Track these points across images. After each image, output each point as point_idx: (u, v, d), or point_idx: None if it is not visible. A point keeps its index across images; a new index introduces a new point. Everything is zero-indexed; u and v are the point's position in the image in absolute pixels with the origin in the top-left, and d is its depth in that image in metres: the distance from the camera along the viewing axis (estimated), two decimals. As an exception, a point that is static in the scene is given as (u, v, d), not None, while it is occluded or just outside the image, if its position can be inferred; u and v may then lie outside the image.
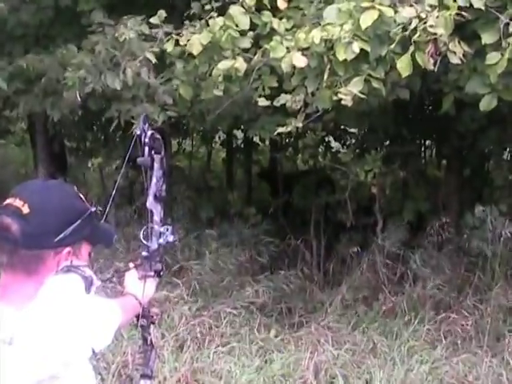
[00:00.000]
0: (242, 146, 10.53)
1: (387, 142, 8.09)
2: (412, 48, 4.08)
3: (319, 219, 7.92)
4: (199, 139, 10.63)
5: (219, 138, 10.91)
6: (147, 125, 2.52)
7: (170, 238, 2.61)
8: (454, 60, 4.16)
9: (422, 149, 9.59)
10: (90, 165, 7.85)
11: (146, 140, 2.49)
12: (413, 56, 4.09)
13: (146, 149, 2.50)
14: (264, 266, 7.30)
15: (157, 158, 2.58)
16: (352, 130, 8.39)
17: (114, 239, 2.28)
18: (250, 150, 10.45)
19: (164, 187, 2.63)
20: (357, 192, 7.95)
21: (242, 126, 8.03)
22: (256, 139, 9.87)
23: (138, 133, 2.51)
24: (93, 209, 2.07)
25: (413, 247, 6.82)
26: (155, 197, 2.59)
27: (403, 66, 4.13)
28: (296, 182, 9.08)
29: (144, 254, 2.58)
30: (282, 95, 4.95)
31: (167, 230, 2.61)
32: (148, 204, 2.60)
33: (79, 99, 5.82)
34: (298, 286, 6.91)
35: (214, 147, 11.42)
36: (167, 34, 5.45)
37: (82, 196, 2.08)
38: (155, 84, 5.67)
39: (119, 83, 5.59)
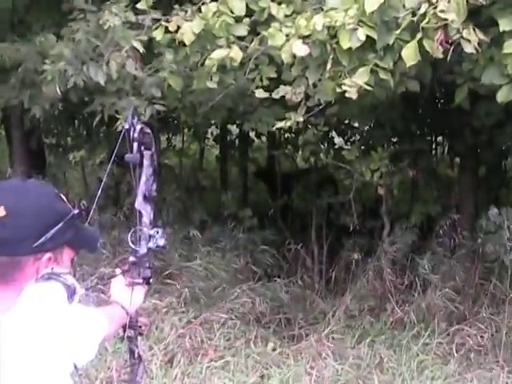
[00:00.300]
0: (237, 142, 10.61)
1: (395, 139, 8.10)
2: (420, 35, 4.06)
3: (321, 222, 7.96)
4: (190, 135, 10.56)
5: (212, 133, 10.90)
6: (136, 118, 2.52)
7: (161, 242, 2.61)
8: (469, 49, 4.14)
9: (433, 146, 9.63)
10: (71, 158, 7.85)
11: (135, 135, 2.49)
12: (421, 44, 4.08)
13: (135, 145, 2.49)
14: (261, 273, 7.29)
15: (146, 154, 2.58)
16: (357, 125, 8.35)
17: (98, 244, 2.27)
18: (246, 146, 10.52)
19: (154, 186, 2.63)
20: (362, 193, 8.01)
21: (237, 121, 8.08)
22: (252, 135, 9.91)
23: (127, 127, 2.51)
24: (75, 211, 2.06)
25: (423, 253, 6.83)
26: (144, 197, 2.59)
27: (409, 53, 4.10)
28: (296, 181, 9.22)
29: (132, 259, 2.57)
30: (281, 87, 4.95)
31: (157, 232, 2.61)
32: (136, 205, 2.60)
33: (59, 93, 5.82)
34: (297, 295, 6.93)
35: (207, 144, 11.37)
36: (155, 20, 5.40)
37: (63, 197, 2.08)
38: (142, 76, 5.69)
39: (103, 76, 5.59)
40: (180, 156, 10.03)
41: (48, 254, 1.97)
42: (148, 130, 2.58)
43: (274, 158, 9.72)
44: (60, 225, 1.98)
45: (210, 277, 6.90)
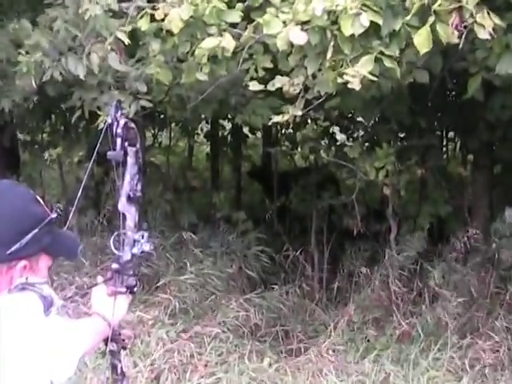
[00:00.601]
0: (230, 138, 10.57)
1: (402, 134, 8.10)
2: (432, 19, 4.05)
3: (321, 226, 7.95)
4: (178, 131, 10.55)
5: (202, 129, 10.80)
6: (120, 112, 2.50)
7: (146, 247, 2.60)
8: (482, 35, 4.12)
9: (444, 142, 9.63)
10: (47, 156, 7.84)
11: (119, 130, 2.47)
12: (433, 29, 4.07)
13: (119, 141, 2.48)
14: (256, 282, 7.31)
15: (131, 151, 2.57)
16: (360, 120, 8.32)
17: (78, 250, 2.26)
18: (239, 143, 10.47)
19: (139, 186, 2.62)
20: (366, 193, 8.10)
21: (229, 114, 8.07)
22: (246, 130, 9.89)
23: (110, 121, 2.49)
24: (53, 215, 2.05)
25: (432, 259, 6.85)
26: (129, 198, 2.58)
27: (421, 40, 4.08)
28: (294, 181, 9.14)
29: (114, 266, 2.56)
30: (278, 77, 4.94)
31: (142, 236, 2.60)
32: (120, 206, 2.59)
33: (35, 86, 5.80)
34: (296, 305, 6.93)
35: (196, 140, 11.36)
36: (140, 8, 5.34)
37: (39, 199, 2.07)
38: (126, 69, 5.67)
39: (83, 69, 5.58)
40: (167, 154, 9.93)
41: (23, 262, 1.96)
42: (132, 125, 2.56)
43: (270, 156, 9.67)
44: (36, 230, 1.97)
45: (200, 286, 6.88)
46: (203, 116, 8.34)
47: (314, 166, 8.53)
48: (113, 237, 2.57)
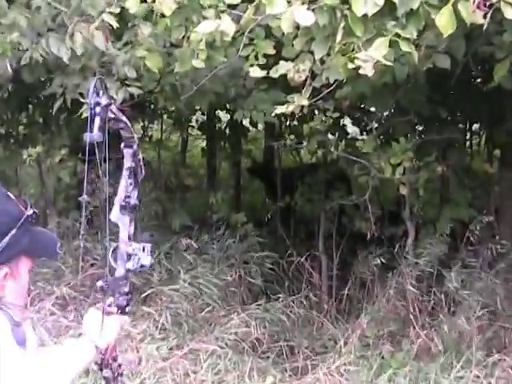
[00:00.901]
0: (228, 131, 10.44)
1: (421, 127, 8.08)
2: (453, -3, 4.03)
3: (330, 229, 7.99)
4: (171, 123, 10.55)
5: (197, 121, 10.75)
6: (102, 91, 2.46)
7: (145, 261, 2.61)
8: (510, 15, 4.13)
9: (468, 136, 9.64)
10: (25, 156, 7.82)
11: (98, 109, 2.41)
12: (454, 8, 4.04)
13: (97, 121, 2.40)
14: (257, 291, 7.38)
15: (127, 153, 2.57)
16: (374, 110, 8.17)
17: (58, 248, 2.25)
18: (239, 136, 10.39)
19: (135, 193, 2.63)
20: (380, 193, 8.14)
21: (228, 105, 8.09)
22: (246, 123, 9.76)
23: (88, 99, 2.44)
24: (29, 212, 2.04)
25: (454, 266, 6.83)
26: (123, 206, 2.59)
27: (444, 21, 4.03)
28: (300, 179, 9.11)
29: (101, 283, 2.55)
30: (282, 63, 4.89)
31: (142, 249, 2.60)
32: (112, 216, 2.59)
33: (10, 71, 5.77)
34: (302, 318, 6.96)
35: (191, 133, 11.32)
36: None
37: (11, 196, 2.06)
38: (113, 52, 5.65)
39: (66, 51, 5.55)
40: (158, 148, 9.97)
41: (4, 270, 1.94)
42: (124, 118, 2.54)
43: (273, 151, 9.69)
44: (14, 231, 1.96)
45: (195, 296, 6.88)
46: (198, 107, 8.39)
47: (323, 162, 8.55)
48: (109, 250, 2.58)
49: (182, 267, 7.22)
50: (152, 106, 9.00)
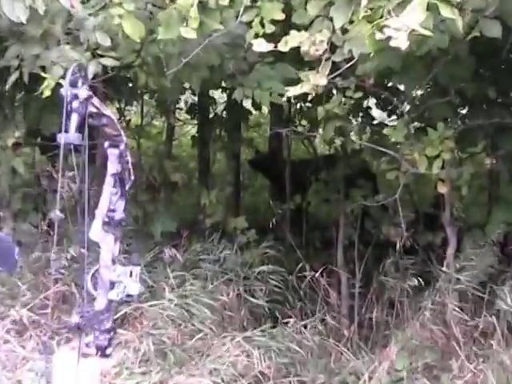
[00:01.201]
0: (225, 115, 10.42)
1: (464, 110, 8.05)
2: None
3: (352, 236, 8.05)
4: (153, 105, 10.54)
5: (186, 102, 10.80)
6: (81, 80, 2.47)
7: (133, 289, 2.65)
8: None
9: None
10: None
11: (76, 104, 2.42)
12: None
13: (74, 118, 2.41)
14: (261, 313, 7.40)
15: (112, 154, 2.60)
16: (405, 89, 8.06)
17: (16, 255, 2.23)
18: (238, 122, 10.38)
19: (121, 205, 2.66)
20: (414, 192, 8.14)
21: (225, 83, 8.10)
22: (248, 104, 9.60)
23: (64, 92, 2.45)
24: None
25: (506, 281, 6.81)
26: (106, 222, 2.61)
27: (496, -20, 4.08)
28: (314, 174, 9.16)
29: (76, 319, 2.55)
30: (293, 33, 4.90)
31: (129, 274, 2.63)
32: (93, 233, 2.59)
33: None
34: (317, 347, 6.92)
35: (178, 118, 11.34)
36: None
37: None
38: (82, 14, 5.60)
39: (24, 11, 5.53)
40: (138, 137, 9.86)
41: None
42: (108, 113, 2.57)
43: (281, 140, 9.63)
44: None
45: (183, 319, 6.86)
46: (188, 85, 8.40)
47: (342, 154, 8.45)
48: (89, 276, 2.60)
49: (166, 284, 7.20)
50: (130, 84, 8.96)
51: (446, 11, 4.30)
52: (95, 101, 2.49)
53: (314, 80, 4.89)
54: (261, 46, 4.98)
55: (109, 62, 5.92)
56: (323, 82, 4.90)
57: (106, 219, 2.56)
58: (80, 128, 2.41)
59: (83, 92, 2.43)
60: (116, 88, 8.65)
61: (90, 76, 5.69)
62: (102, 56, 5.87)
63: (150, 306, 6.93)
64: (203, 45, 5.52)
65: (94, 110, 2.48)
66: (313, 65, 4.99)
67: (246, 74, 6.43)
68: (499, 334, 6.50)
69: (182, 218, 8.81)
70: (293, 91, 5.01)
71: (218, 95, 10.38)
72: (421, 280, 7.23)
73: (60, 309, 6.90)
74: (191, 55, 5.66)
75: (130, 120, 10.38)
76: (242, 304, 7.35)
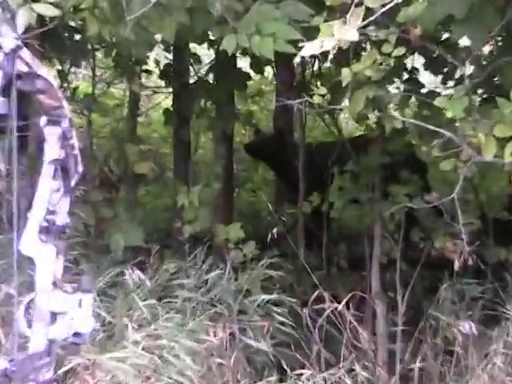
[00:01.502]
0: (212, 80, 10.21)
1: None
2: None
3: (391, 251, 7.97)
4: (110, 66, 10.46)
5: (158, 63, 10.64)
6: (6, 25, 2.50)
7: (83, 326, 2.63)
8: None
9: None
10: None
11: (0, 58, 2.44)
12: None
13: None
14: (264, 362, 7.31)
15: (51, 134, 2.63)
16: (467, 45, 7.62)
17: None
18: (231, 90, 10.07)
19: (65, 206, 2.71)
20: (480, 189, 8.07)
21: (211, 33, 7.82)
22: (245, 64, 9.60)
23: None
24: None
25: None
26: (44, 228, 2.62)
27: None
28: (337, 165, 8.98)
29: (4, 365, 2.50)
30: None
31: (78, 304, 2.62)
32: (24, 246, 2.58)
33: None
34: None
35: (145, 85, 11.46)
36: None
37: None
38: None
39: None
40: (88, 110, 9.62)
41: None
42: (45, 74, 2.56)
43: (291, 115, 9.42)
44: None
45: (155, 369, 6.59)
46: (159, 38, 7.95)
47: (378, 135, 8.28)
48: (22, 306, 2.62)
49: (130, 319, 6.94)
50: (77, 36, 8.77)
51: None
52: (26, 54, 2.48)
53: (342, 34, 4.70)
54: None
55: (47, 10, 5.87)
56: (354, 36, 4.71)
57: (44, 224, 2.55)
58: (4, 92, 2.47)
59: (9, 41, 2.43)
60: (56, 43, 8.54)
61: (21, 29, 5.71)
62: (35, 1, 5.79)
63: (107, 351, 6.62)
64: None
65: (25, 69, 2.48)
66: (335, 13, 4.98)
67: (241, 16, 6.13)
68: None
69: (152, 225, 8.47)
70: (309, 49, 4.77)
71: (203, 52, 10.24)
72: (489, 313, 7.29)
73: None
74: (161, -6, 5.36)
75: (76, 87, 10.13)
76: (237, 348, 7.13)
